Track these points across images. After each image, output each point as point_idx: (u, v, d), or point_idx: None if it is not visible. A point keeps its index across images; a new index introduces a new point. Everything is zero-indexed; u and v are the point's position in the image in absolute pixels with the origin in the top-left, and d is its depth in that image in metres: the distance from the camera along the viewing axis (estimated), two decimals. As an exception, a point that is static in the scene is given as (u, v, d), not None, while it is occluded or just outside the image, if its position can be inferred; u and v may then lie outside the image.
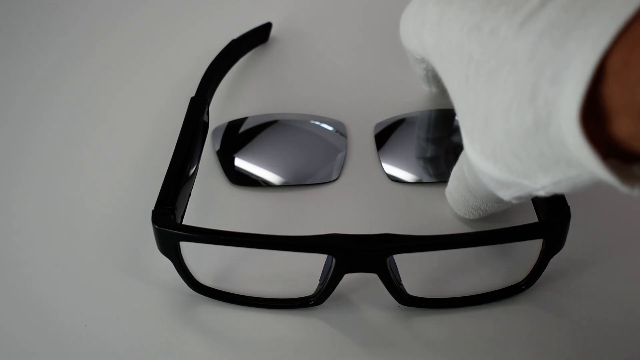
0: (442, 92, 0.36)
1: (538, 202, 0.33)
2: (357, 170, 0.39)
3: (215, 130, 0.41)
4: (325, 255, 0.30)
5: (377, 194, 0.37)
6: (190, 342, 0.31)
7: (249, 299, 0.32)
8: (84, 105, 0.43)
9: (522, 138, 0.22)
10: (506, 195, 0.27)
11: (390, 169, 0.38)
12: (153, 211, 0.31)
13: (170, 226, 0.30)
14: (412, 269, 0.32)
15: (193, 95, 0.38)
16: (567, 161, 0.21)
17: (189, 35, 0.49)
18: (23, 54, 0.47)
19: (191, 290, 0.32)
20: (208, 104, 0.38)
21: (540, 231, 0.30)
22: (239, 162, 0.39)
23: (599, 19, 0.19)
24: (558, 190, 0.24)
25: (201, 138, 0.36)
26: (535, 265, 0.32)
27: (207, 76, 0.40)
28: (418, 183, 0.37)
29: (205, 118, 0.37)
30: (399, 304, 0.32)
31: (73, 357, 0.30)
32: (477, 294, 0.32)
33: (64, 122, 0.42)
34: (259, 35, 0.47)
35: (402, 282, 0.31)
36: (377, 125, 0.41)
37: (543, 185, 0.24)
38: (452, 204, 0.34)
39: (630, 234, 0.35)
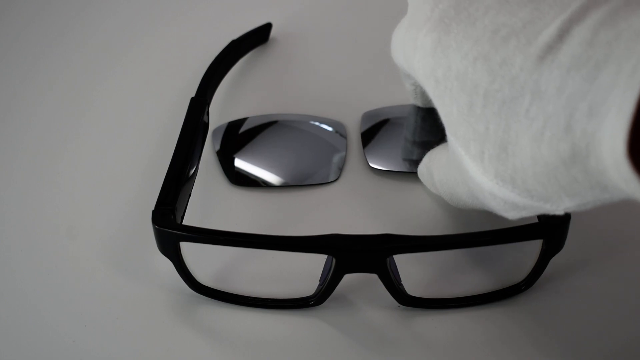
0: (425, 105, 0.37)
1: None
2: (357, 171, 0.39)
3: (216, 130, 0.41)
4: (325, 256, 0.30)
5: (377, 194, 0.37)
6: (190, 342, 0.31)
7: (249, 299, 0.32)
8: (84, 105, 0.43)
9: (553, 167, 0.22)
10: (514, 215, 0.27)
11: (375, 162, 0.39)
12: (153, 211, 0.31)
13: (170, 226, 0.30)
14: (412, 269, 0.32)
15: (193, 95, 0.38)
16: (604, 187, 0.21)
17: (189, 35, 0.49)
18: (23, 53, 0.47)
19: (191, 290, 0.32)
20: (208, 104, 0.38)
21: (540, 231, 0.30)
22: (239, 163, 0.39)
23: (629, 52, 0.19)
24: (580, 209, 0.24)
25: (201, 138, 0.37)
26: (535, 265, 0.32)
27: (207, 76, 0.40)
28: (407, 174, 0.38)
29: (205, 118, 0.37)
30: (399, 304, 0.32)
31: (73, 357, 0.30)
32: (477, 294, 0.32)
33: (64, 121, 0.42)
34: (259, 36, 0.47)
35: (402, 282, 0.31)
36: (363, 118, 0.41)
37: (566, 207, 0.24)
38: (430, 188, 0.34)
39: (630, 234, 0.35)
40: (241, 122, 0.41)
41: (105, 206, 0.37)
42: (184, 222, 0.32)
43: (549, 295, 0.32)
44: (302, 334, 0.31)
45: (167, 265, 0.31)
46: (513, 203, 0.26)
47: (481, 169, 0.26)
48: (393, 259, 0.30)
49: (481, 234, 0.30)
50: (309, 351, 0.31)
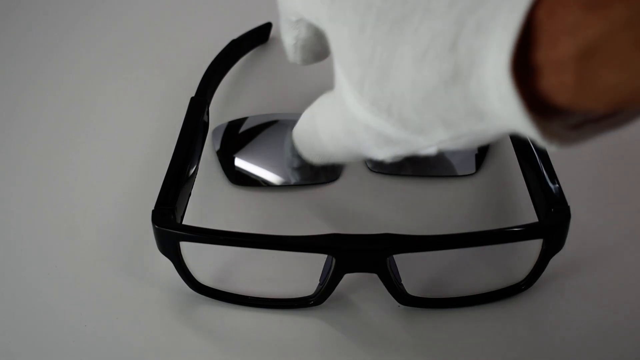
0: (305, 62, 0.34)
1: (538, 202, 0.33)
2: (356, 170, 0.39)
3: (216, 130, 0.41)
4: (325, 255, 0.30)
5: (377, 194, 0.37)
6: (190, 342, 0.31)
7: (249, 299, 0.32)
8: (84, 105, 0.43)
9: (432, 90, 0.21)
10: (386, 152, 0.26)
11: (373, 163, 0.38)
12: (153, 211, 0.31)
13: (170, 226, 0.30)
14: (412, 269, 0.32)
15: (193, 95, 0.38)
16: (481, 114, 0.21)
17: (189, 35, 0.49)
18: (24, 55, 0.47)
19: (191, 290, 0.32)
20: (208, 104, 0.39)
21: (540, 231, 0.30)
22: (239, 162, 0.39)
23: None
24: (453, 146, 0.23)
25: (201, 138, 0.37)
26: (535, 265, 0.32)
27: (207, 76, 0.40)
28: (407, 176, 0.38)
29: (205, 118, 0.37)
30: (399, 304, 0.32)
31: (73, 357, 0.30)
32: (477, 294, 0.32)
33: (64, 121, 0.42)
34: (259, 36, 0.47)
35: (402, 282, 0.31)
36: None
37: (440, 140, 0.23)
38: (298, 144, 0.33)
39: (630, 234, 0.35)
40: (241, 121, 0.41)
41: (105, 206, 0.37)
42: (184, 222, 0.32)
43: (549, 295, 0.32)
44: (302, 334, 0.31)
45: (167, 265, 0.31)
46: (386, 136, 0.25)
47: (359, 97, 0.25)
48: (393, 258, 0.30)
49: (481, 234, 0.30)
50: (309, 351, 0.31)
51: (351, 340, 0.31)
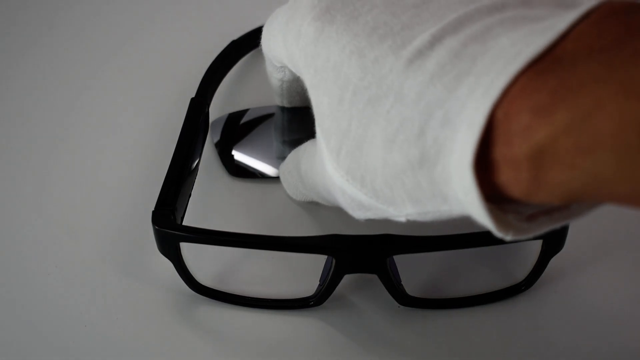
0: (292, 105, 0.37)
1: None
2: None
3: (215, 122, 0.40)
4: (325, 256, 0.30)
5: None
6: (190, 342, 0.31)
7: (249, 299, 0.32)
8: (84, 105, 0.43)
9: (401, 170, 0.23)
10: (359, 215, 0.27)
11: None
12: (153, 212, 0.31)
13: (170, 227, 0.30)
14: (412, 269, 0.32)
15: (193, 96, 0.38)
16: (445, 198, 0.22)
17: (189, 35, 0.49)
18: (22, 54, 0.47)
19: (191, 290, 0.32)
20: (208, 105, 0.38)
21: (540, 231, 0.30)
22: (238, 154, 0.39)
23: (489, 69, 0.20)
24: (420, 219, 0.25)
25: (201, 139, 0.36)
26: (535, 265, 0.32)
27: (207, 77, 0.40)
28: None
29: (205, 119, 0.37)
30: (399, 304, 0.32)
31: (73, 357, 0.30)
32: (477, 294, 0.32)
33: (64, 122, 0.42)
34: (259, 36, 0.47)
35: (402, 282, 0.31)
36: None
37: (407, 213, 0.24)
38: (283, 181, 0.35)
39: (630, 234, 0.35)
40: (242, 113, 0.41)
41: (105, 207, 0.37)
42: (184, 222, 0.32)
43: (549, 295, 0.32)
44: (302, 334, 0.31)
45: (167, 265, 0.31)
46: (360, 202, 0.26)
47: (335, 164, 0.26)
48: (393, 259, 0.30)
49: (481, 234, 0.30)
50: (309, 351, 0.31)
51: (351, 340, 0.31)
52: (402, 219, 0.25)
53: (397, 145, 0.23)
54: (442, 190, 0.22)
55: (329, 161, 0.27)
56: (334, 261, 0.30)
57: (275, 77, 0.35)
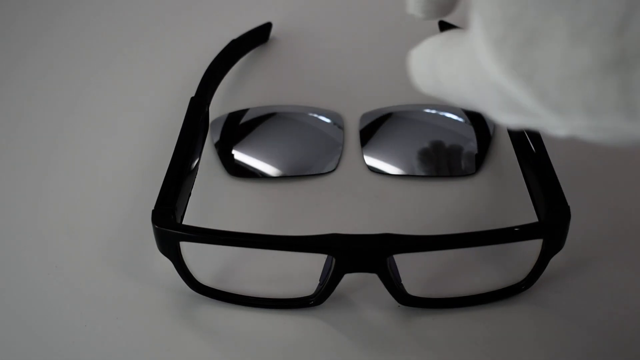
0: (426, 15, 0.29)
1: (538, 202, 0.33)
2: (354, 162, 0.39)
3: (215, 122, 0.41)
4: (325, 255, 0.30)
5: (377, 194, 0.37)
6: (190, 342, 0.31)
7: (249, 299, 0.32)
8: (84, 105, 0.43)
9: (585, 72, 0.19)
10: (507, 119, 0.23)
11: (372, 161, 0.39)
12: (153, 211, 0.31)
13: (170, 226, 0.30)
14: (412, 269, 0.32)
15: (193, 95, 0.38)
16: (634, 112, 0.19)
17: (189, 35, 0.49)
18: (21, 54, 0.47)
19: (191, 290, 0.32)
20: (208, 104, 0.39)
21: (540, 231, 0.30)
22: (238, 154, 0.39)
23: None
24: (587, 135, 0.21)
25: (201, 138, 0.37)
26: (535, 265, 0.32)
27: (207, 76, 0.40)
28: (406, 176, 0.38)
29: (205, 119, 0.37)
30: (399, 304, 0.32)
31: (73, 357, 0.30)
32: (477, 294, 0.32)
33: (64, 122, 0.42)
34: (259, 35, 0.47)
35: (402, 282, 0.31)
36: (363, 117, 0.41)
37: (575, 125, 0.21)
38: (413, 71, 0.28)
39: (630, 233, 0.35)
40: (242, 113, 0.41)
41: (105, 206, 0.37)
42: (184, 221, 0.32)
43: (549, 295, 0.32)
44: (302, 334, 0.31)
45: (167, 265, 0.31)
46: (517, 104, 0.22)
47: (497, 56, 0.22)
48: (393, 258, 0.30)
49: (481, 233, 0.30)
50: (309, 351, 0.31)
51: (351, 340, 0.31)
52: (562, 132, 0.21)
53: (586, 40, 0.19)
54: (634, 102, 0.18)
55: (486, 52, 0.23)
56: (334, 260, 0.30)
57: None
